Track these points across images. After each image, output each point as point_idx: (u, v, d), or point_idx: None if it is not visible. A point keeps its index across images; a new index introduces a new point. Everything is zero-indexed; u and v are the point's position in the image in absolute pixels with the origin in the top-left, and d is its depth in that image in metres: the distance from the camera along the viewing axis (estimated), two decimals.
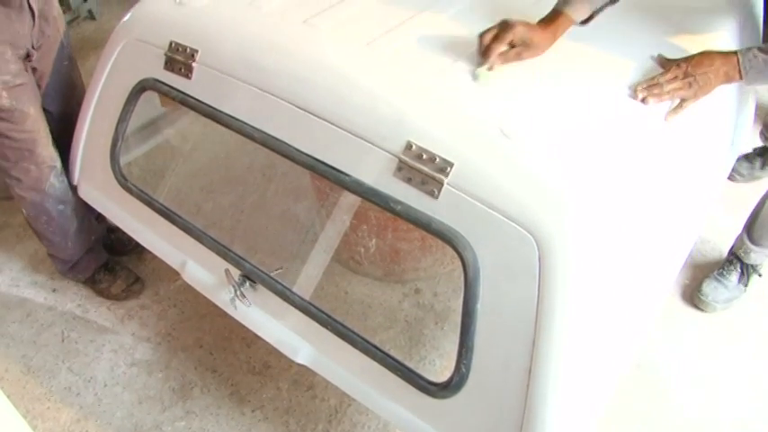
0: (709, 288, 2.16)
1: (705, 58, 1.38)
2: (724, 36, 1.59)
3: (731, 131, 1.76)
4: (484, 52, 1.31)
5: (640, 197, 1.30)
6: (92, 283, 2.22)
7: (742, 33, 1.67)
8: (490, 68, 1.30)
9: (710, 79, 1.37)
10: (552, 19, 1.37)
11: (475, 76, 1.30)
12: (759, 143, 2.64)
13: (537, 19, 1.39)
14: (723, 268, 2.18)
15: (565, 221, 1.12)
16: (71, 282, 2.26)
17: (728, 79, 1.39)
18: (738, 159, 2.62)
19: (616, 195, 1.22)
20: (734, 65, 1.38)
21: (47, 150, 1.86)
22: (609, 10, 1.41)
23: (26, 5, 1.69)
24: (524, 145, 1.17)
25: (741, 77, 1.38)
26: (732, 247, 2.19)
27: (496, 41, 1.30)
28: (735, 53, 1.38)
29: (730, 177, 2.62)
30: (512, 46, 1.32)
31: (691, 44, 1.49)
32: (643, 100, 1.33)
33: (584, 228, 1.14)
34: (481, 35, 1.33)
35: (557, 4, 1.38)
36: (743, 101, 1.78)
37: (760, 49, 1.38)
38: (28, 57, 1.77)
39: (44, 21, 1.79)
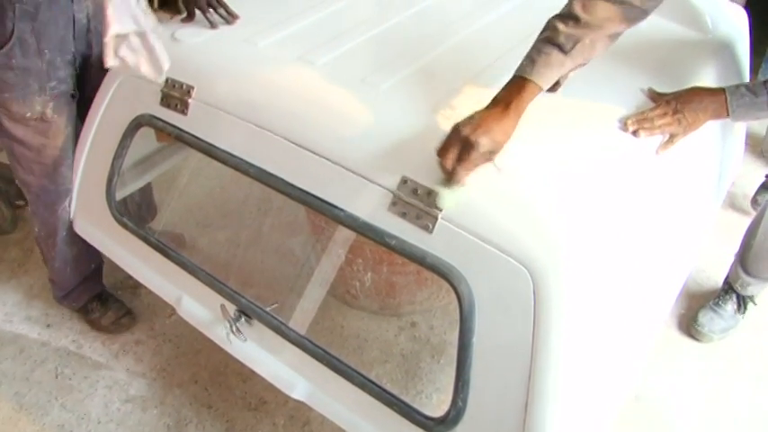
0: (705, 318, 2.16)
1: (694, 95, 1.41)
2: (708, 72, 1.62)
3: (719, 164, 1.78)
4: (449, 177, 1.16)
5: (634, 229, 1.31)
6: (84, 312, 2.21)
7: (726, 70, 1.70)
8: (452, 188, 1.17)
9: (699, 116, 1.39)
10: (515, 90, 1.19)
11: (440, 201, 1.17)
12: None
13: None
14: (719, 298, 2.19)
15: (559, 254, 1.13)
16: (65, 317, 2.25)
17: (716, 116, 1.41)
18: (758, 190, 2.64)
19: (610, 228, 1.23)
20: (721, 102, 1.40)
21: (69, 172, 1.87)
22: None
23: (71, 14, 1.72)
24: (517, 179, 1.18)
25: (728, 115, 1.40)
26: (727, 278, 2.20)
27: (461, 165, 1.14)
28: (722, 90, 1.41)
29: (753, 208, 2.63)
30: None
31: (677, 79, 1.51)
32: (634, 133, 1.34)
33: (578, 261, 1.14)
34: (440, 154, 1.16)
35: (519, 70, 1.22)
36: (729, 133, 1.80)
37: (747, 88, 1.40)
38: (74, 62, 1.80)
39: (93, 35, 1.81)
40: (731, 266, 2.17)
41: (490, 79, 1.44)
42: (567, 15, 1.23)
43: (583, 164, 1.25)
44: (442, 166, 1.15)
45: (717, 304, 2.17)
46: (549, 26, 1.23)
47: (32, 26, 1.64)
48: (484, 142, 1.12)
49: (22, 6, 1.59)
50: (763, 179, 2.66)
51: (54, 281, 2.16)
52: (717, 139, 1.70)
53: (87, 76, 1.80)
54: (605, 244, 1.22)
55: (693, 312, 2.20)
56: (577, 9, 1.22)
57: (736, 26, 1.81)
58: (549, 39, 1.22)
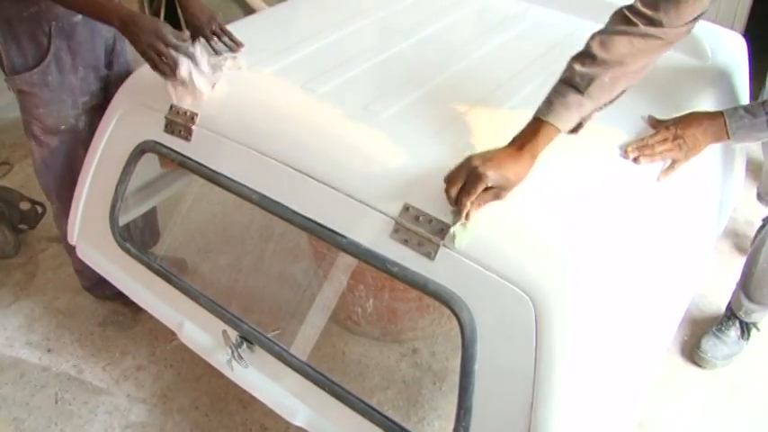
0: (708, 345, 2.15)
1: (693, 120, 1.42)
2: (707, 99, 1.63)
3: (720, 190, 1.78)
4: (456, 209, 1.16)
5: (636, 256, 1.31)
6: (118, 297, 2.22)
7: (726, 97, 1.71)
8: (464, 224, 1.15)
9: (699, 140, 1.40)
10: (533, 132, 1.19)
11: (450, 237, 1.15)
12: None
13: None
14: (722, 324, 2.18)
15: (561, 282, 1.13)
16: (66, 341, 2.24)
17: (717, 139, 1.42)
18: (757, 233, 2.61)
19: (611, 255, 1.23)
20: (721, 125, 1.41)
21: None
22: None
23: (102, 33, 1.80)
24: (519, 206, 1.19)
25: (729, 137, 1.41)
26: (729, 304, 2.19)
27: (466, 196, 1.13)
28: (721, 114, 1.42)
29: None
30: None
31: (676, 106, 1.52)
32: (635, 160, 1.35)
33: (580, 288, 1.15)
34: (447, 184, 1.16)
35: (537, 112, 1.21)
36: (730, 159, 1.81)
37: (745, 109, 1.41)
38: (107, 77, 1.88)
39: (115, 55, 1.89)
40: (733, 293, 2.16)
41: (491, 107, 1.46)
42: (584, 54, 1.23)
43: (584, 191, 1.26)
44: (447, 194, 1.15)
45: (720, 330, 2.16)
46: (567, 67, 1.23)
47: (68, 44, 1.71)
48: (491, 175, 1.12)
49: (59, 25, 1.65)
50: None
51: (80, 271, 2.23)
52: (718, 165, 1.71)
53: (106, 94, 1.84)
54: (607, 270, 1.22)
55: (696, 339, 2.19)
56: (594, 47, 1.22)
57: (735, 54, 1.83)
58: (565, 80, 1.21)
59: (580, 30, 1.81)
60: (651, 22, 1.23)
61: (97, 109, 1.84)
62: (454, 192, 1.14)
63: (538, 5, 1.97)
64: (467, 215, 1.14)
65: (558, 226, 1.18)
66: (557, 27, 1.85)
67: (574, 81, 1.20)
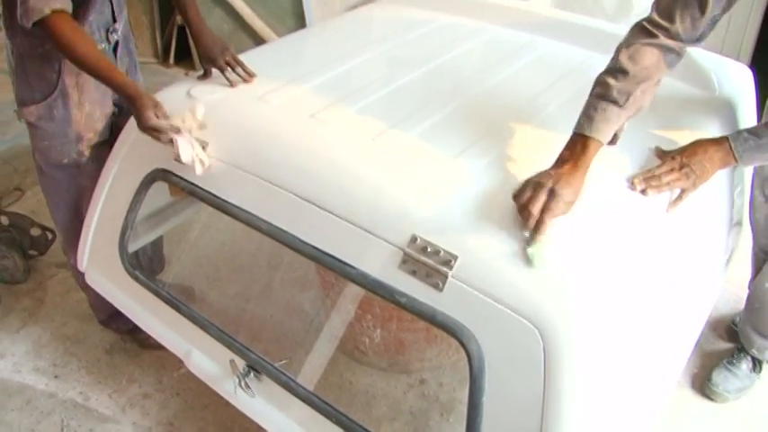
0: (720, 378, 2.12)
1: (698, 147, 1.42)
2: (714, 130, 1.63)
3: (729, 212, 1.77)
4: (534, 227, 1.17)
5: (645, 287, 1.30)
6: (135, 331, 2.23)
7: (732, 128, 1.72)
8: (539, 242, 1.17)
9: (706, 167, 1.40)
10: (579, 148, 1.25)
11: (529, 258, 1.15)
12: None
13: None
14: (733, 357, 2.15)
15: (569, 314, 1.13)
16: (73, 368, 2.24)
17: (724, 164, 1.42)
18: None
19: (621, 286, 1.23)
20: (726, 150, 1.41)
21: None
22: None
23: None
24: (527, 238, 1.19)
25: (736, 161, 1.41)
26: (738, 338, 2.16)
27: (548, 214, 1.17)
28: (725, 138, 1.42)
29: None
30: None
31: (683, 137, 1.52)
32: (643, 192, 1.35)
33: (588, 320, 1.14)
34: (524, 202, 1.19)
35: (578, 128, 1.28)
36: (737, 180, 1.80)
37: (749, 132, 1.42)
38: (113, 114, 1.89)
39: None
40: (740, 329, 2.14)
41: (501, 138, 1.47)
42: (615, 69, 1.30)
43: (592, 223, 1.26)
44: (526, 216, 1.18)
45: (731, 363, 2.14)
46: (600, 82, 1.31)
47: (76, 81, 1.73)
48: (566, 193, 1.19)
49: (69, 63, 1.67)
50: None
51: (94, 306, 2.24)
52: (722, 188, 1.70)
53: (119, 123, 1.87)
54: (617, 303, 1.21)
55: (707, 371, 2.17)
56: (624, 62, 1.29)
57: (742, 85, 1.83)
58: (602, 95, 1.28)
59: (588, 60, 1.84)
60: (668, 34, 1.31)
61: (104, 145, 1.86)
62: (537, 209, 1.17)
63: (544, 37, 1.99)
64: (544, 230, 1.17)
65: (567, 258, 1.18)
66: (564, 58, 1.87)
67: (611, 96, 1.27)
